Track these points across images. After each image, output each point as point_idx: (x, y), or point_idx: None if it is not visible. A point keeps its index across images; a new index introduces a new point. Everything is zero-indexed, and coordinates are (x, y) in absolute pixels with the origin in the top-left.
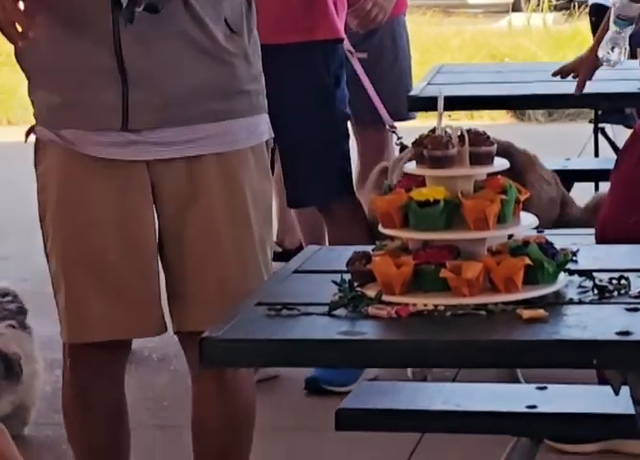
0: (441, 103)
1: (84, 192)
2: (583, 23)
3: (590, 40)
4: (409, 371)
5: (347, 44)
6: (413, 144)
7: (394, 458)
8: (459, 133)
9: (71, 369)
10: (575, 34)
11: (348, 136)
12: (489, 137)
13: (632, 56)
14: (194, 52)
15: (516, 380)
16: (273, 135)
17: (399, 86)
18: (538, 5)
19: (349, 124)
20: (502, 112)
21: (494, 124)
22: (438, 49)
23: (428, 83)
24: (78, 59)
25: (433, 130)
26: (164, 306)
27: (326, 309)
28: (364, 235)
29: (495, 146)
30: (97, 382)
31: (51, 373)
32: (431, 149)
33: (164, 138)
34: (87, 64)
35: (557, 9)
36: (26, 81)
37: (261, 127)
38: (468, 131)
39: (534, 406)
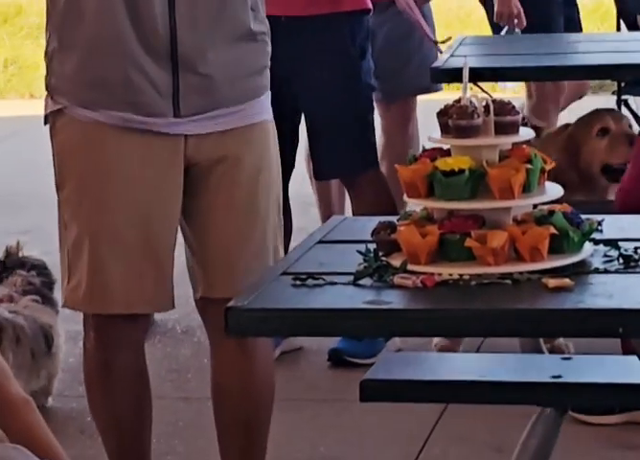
0: (466, 73)
1: (114, 162)
2: None
3: (613, 12)
4: (435, 341)
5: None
6: (438, 114)
7: (417, 429)
8: (484, 103)
9: (94, 340)
10: (598, 7)
11: (373, 108)
12: (514, 107)
13: (634, 25)
14: (236, 32)
15: (540, 351)
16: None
17: (428, 59)
18: None
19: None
20: (523, 85)
21: (517, 96)
22: (460, 23)
23: (451, 55)
24: (133, 41)
25: (458, 100)
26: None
27: (351, 278)
28: (388, 207)
29: (521, 115)
30: (118, 353)
31: (75, 345)
32: (456, 119)
33: (207, 116)
34: (142, 47)
35: None
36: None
37: (268, 102)
38: (494, 101)
39: (559, 376)
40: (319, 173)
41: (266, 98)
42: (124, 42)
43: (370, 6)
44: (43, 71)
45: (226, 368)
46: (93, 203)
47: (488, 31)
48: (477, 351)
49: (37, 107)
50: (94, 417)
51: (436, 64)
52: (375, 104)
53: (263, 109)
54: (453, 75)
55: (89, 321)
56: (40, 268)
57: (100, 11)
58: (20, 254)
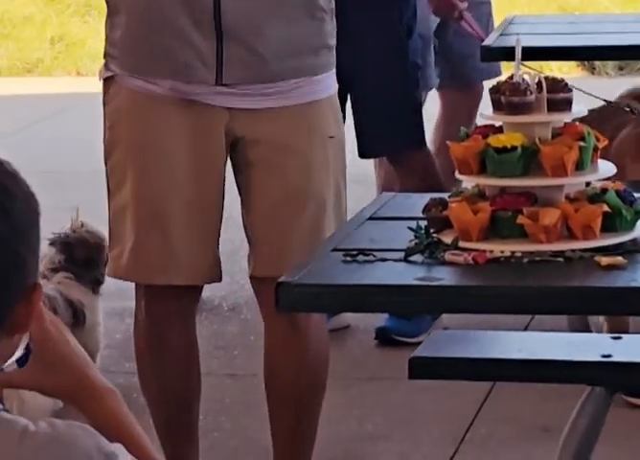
0: (518, 50)
1: (159, 132)
2: None
3: None
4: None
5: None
6: (490, 90)
7: (464, 409)
8: (537, 80)
9: (144, 311)
10: None
11: (419, 87)
12: (567, 84)
13: None
14: (288, 8)
15: (587, 329)
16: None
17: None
18: None
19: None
20: (572, 65)
21: (564, 76)
22: (508, 2)
23: (501, 34)
24: (177, 10)
25: (511, 77)
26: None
27: (402, 255)
28: (435, 186)
29: (572, 93)
30: (167, 325)
31: (121, 321)
32: (509, 96)
33: (254, 90)
34: (186, 16)
35: None
36: (96, 33)
37: (332, 79)
38: (546, 78)
39: (609, 356)
40: (365, 152)
41: (327, 77)
42: (167, 9)
43: None
44: (90, 49)
45: (279, 346)
46: (136, 172)
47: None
48: (525, 329)
49: (84, 85)
50: (143, 390)
51: (486, 43)
52: (437, 90)
53: (321, 88)
54: (504, 53)
55: (139, 292)
56: (81, 245)
57: None
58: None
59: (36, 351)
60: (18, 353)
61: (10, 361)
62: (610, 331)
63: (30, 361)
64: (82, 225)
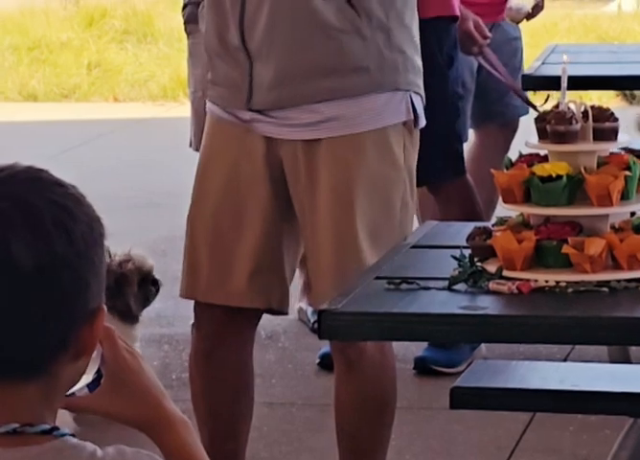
0: (564, 78)
1: (210, 157)
2: None
3: None
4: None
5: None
6: (536, 119)
7: (504, 439)
8: (582, 109)
9: (196, 328)
10: None
11: (459, 116)
12: (613, 113)
13: None
14: (304, 30)
15: (628, 361)
16: (412, 117)
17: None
18: None
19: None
20: (611, 95)
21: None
22: (546, 32)
23: (543, 63)
24: (218, 35)
25: (557, 106)
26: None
27: (445, 283)
28: (474, 215)
29: (618, 122)
30: (218, 344)
31: (159, 348)
32: (554, 125)
33: (285, 119)
34: (223, 40)
35: None
36: (134, 59)
37: (387, 109)
38: (592, 107)
39: None
40: None
41: (359, 106)
42: (208, 39)
43: (457, 12)
44: (127, 75)
45: (337, 380)
46: (194, 191)
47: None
48: (565, 360)
49: (121, 111)
50: (194, 408)
51: (528, 72)
52: (472, 123)
53: (353, 121)
54: (546, 82)
55: (195, 309)
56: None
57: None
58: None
59: (110, 377)
60: (89, 377)
61: (80, 385)
62: None
63: (103, 387)
64: (125, 256)
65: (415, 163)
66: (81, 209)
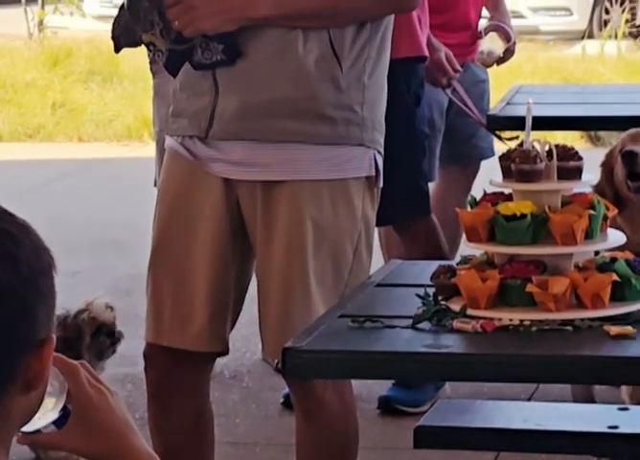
0: (529, 117)
1: (168, 194)
2: None
3: None
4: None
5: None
6: (500, 158)
7: None
8: (547, 148)
9: (147, 372)
10: None
11: (426, 155)
12: (577, 152)
13: None
14: (278, 67)
15: (592, 401)
16: (373, 173)
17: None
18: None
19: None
20: (576, 136)
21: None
22: (511, 74)
23: (508, 103)
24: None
25: (521, 145)
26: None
27: (409, 322)
28: (440, 254)
29: (582, 161)
30: (170, 390)
31: (122, 388)
32: (519, 163)
33: (243, 159)
34: (197, 74)
35: (631, 36)
36: (98, 99)
37: (350, 162)
38: (557, 146)
39: (615, 427)
40: None
41: (318, 154)
42: (187, 74)
43: (426, 53)
44: (91, 115)
45: (298, 422)
46: (154, 233)
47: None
48: (529, 399)
49: (86, 151)
50: (153, 449)
51: (492, 112)
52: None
53: (310, 167)
54: (510, 122)
55: (147, 350)
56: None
57: None
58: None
59: (77, 414)
60: (56, 414)
61: (47, 422)
62: (635, 402)
63: (70, 424)
64: (85, 305)
65: (373, 214)
66: (28, 237)
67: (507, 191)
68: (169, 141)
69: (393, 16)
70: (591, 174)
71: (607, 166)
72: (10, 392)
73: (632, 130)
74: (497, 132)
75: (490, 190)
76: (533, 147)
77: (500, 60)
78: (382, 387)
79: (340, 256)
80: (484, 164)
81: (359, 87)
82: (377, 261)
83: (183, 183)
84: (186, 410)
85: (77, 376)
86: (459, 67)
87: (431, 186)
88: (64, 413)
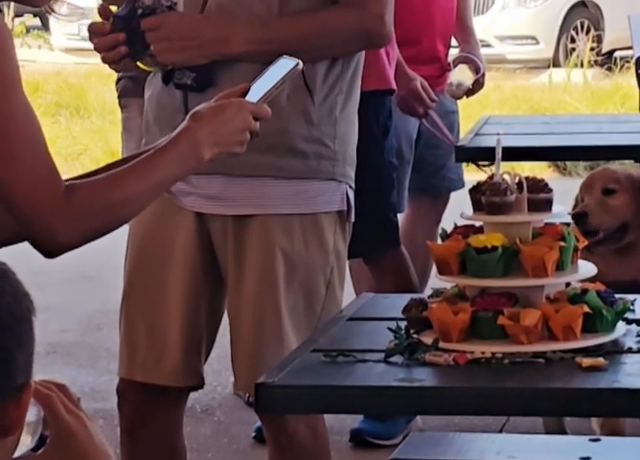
0: (499, 149)
1: (140, 227)
2: (624, 78)
3: (635, 95)
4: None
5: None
6: (471, 190)
7: None
8: (517, 180)
9: (119, 406)
10: (616, 90)
11: (394, 187)
12: (547, 184)
13: None
14: None
15: (563, 432)
16: (345, 208)
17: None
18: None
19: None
20: (544, 166)
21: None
22: (478, 104)
23: (476, 134)
24: (159, 98)
25: (491, 177)
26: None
27: (382, 355)
28: (409, 286)
29: (552, 193)
30: (143, 425)
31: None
32: (489, 196)
33: (215, 193)
34: (163, 103)
35: (597, 64)
36: (67, 133)
37: (321, 196)
38: (527, 178)
39: (587, 458)
40: None
41: (290, 188)
42: (149, 103)
43: (393, 86)
44: (60, 148)
45: (270, 457)
46: (126, 267)
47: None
48: (501, 431)
49: None
50: None
51: (461, 143)
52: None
53: (281, 201)
54: (479, 153)
55: (120, 385)
56: None
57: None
58: None
59: (53, 442)
60: (33, 441)
61: (24, 450)
62: (606, 433)
63: (47, 450)
64: None
65: (345, 248)
66: (8, 282)
67: (478, 223)
68: None
69: (364, 52)
70: (559, 204)
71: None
72: None
73: (587, 177)
74: (465, 164)
75: (460, 222)
76: (503, 179)
77: (469, 92)
78: (354, 420)
79: (312, 290)
80: (454, 196)
81: (331, 121)
82: (349, 293)
83: (155, 217)
84: (160, 445)
85: (52, 403)
86: (434, 96)
87: (400, 217)
88: (41, 441)
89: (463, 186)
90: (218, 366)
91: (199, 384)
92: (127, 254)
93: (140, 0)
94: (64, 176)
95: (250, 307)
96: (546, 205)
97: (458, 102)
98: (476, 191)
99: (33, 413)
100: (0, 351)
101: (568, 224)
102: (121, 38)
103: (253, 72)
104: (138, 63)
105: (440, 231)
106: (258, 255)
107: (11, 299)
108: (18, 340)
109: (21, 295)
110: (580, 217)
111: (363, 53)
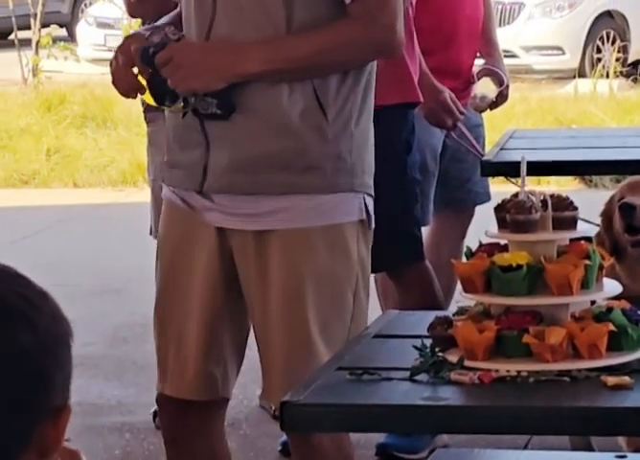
0: (524, 168)
1: (166, 242)
2: None
3: None
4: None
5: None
6: (495, 209)
7: None
8: (542, 198)
9: (159, 418)
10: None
11: (418, 201)
12: (572, 202)
13: None
14: (267, 122)
15: (590, 448)
16: (365, 217)
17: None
18: (604, 71)
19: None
20: (570, 178)
21: (562, 190)
22: (504, 115)
23: (501, 148)
24: (181, 120)
25: (516, 195)
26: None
27: (407, 374)
28: (434, 301)
29: (577, 211)
30: (182, 435)
31: (120, 437)
32: (514, 214)
33: (235, 208)
34: (188, 125)
35: (623, 75)
36: (93, 144)
37: (341, 207)
38: (552, 196)
39: None
40: None
41: (311, 202)
42: (178, 124)
43: (416, 99)
44: (86, 160)
45: None
46: (156, 278)
47: (531, 124)
48: (526, 446)
49: (81, 196)
50: None
51: (486, 158)
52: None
53: (303, 215)
54: (504, 168)
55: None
56: None
57: None
58: None
59: None
60: None
61: None
62: (632, 450)
63: None
64: None
65: (368, 256)
66: (47, 304)
67: (502, 241)
68: (165, 190)
69: (376, 62)
70: (584, 216)
71: (606, 214)
72: (23, 458)
73: (631, 179)
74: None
75: (485, 240)
76: (528, 197)
77: (493, 105)
78: (380, 434)
79: (341, 301)
80: (479, 211)
81: (347, 135)
82: (374, 307)
83: (181, 233)
84: (201, 453)
85: None
86: (462, 109)
87: (425, 230)
88: None
89: (489, 199)
90: (244, 379)
91: (219, 399)
92: (158, 267)
93: (149, 39)
94: (90, 188)
95: (278, 324)
96: (571, 223)
97: (483, 114)
98: (501, 209)
99: None
100: (39, 370)
101: (591, 240)
102: (142, 79)
103: (265, 93)
104: (162, 107)
105: (464, 247)
106: (281, 271)
107: (49, 320)
108: (57, 362)
109: (60, 318)
110: (628, 208)
111: (375, 63)
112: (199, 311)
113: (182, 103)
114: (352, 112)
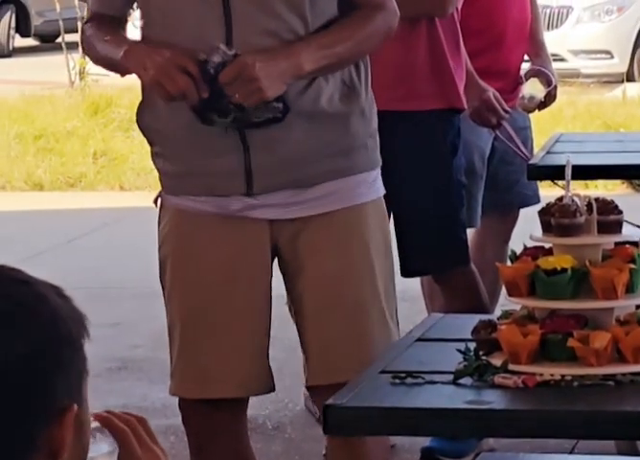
0: (569, 171)
1: (200, 248)
2: None
3: None
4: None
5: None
6: (540, 212)
7: None
8: (587, 201)
9: (184, 424)
10: None
11: (463, 205)
12: (617, 206)
13: None
14: (310, 115)
15: (636, 453)
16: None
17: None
18: None
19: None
20: (617, 182)
21: (610, 194)
22: (552, 119)
23: (548, 152)
24: (199, 127)
25: (560, 198)
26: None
27: (451, 377)
28: (479, 304)
29: (622, 215)
30: (209, 441)
31: (165, 439)
32: (559, 218)
33: (287, 199)
34: (209, 132)
35: None
36: (140, 147)
37: (378, 182)
38: (596, 200)
39: None
40: (408, 270)
41: (362, 180)
42: (194, 132)
43: (461, 105)
44: (133, 163)
45: None
46: (181, 289)
47: (579, 128)
48: (572, 451)
49: (127, 199)
50: None
51: (532, 161)
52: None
53: (358, 192)
54: (551, 172)
55: (185, 407)
56: None
57: (171, 105)
58: None
59: None
60: None
61: None
62: None
63: None
64: None
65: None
66: (45, 307)
67: (547, 245)
68: (178, 200)
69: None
70: (631, 220)
71: None
72: None
73: None
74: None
75: (529, 244)
76: (572, 201)
77: (542, 105)
78: (425, 438)
79: (392, 268)
80: (523, 214)
81: (374, 108)
82: (420, 310)
83: (217, 239)
84: (229, 456)
85: (127, 438)
86: (507, 108)
87: (471, 232)
88: None
89: (538, 201)
90: (290, 382)
91: (270, 389)
92: (186, 277)
93: (210, 61)
94: (137, 191)
95: (339, 303)
96: (616, 227)
97: (530, 116)
98: (545, 212)
99: (108, 443)
100: (33, 374)
101: (636, 244)
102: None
103: (310, 87)
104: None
105: (509, 250)
106: (338, 250)
107: (48, 323)
108: (56, 363)
109: (63, 319)
110: None
111: None
112: (246, 307)
113: (232, 117)
114: (368, 84)
